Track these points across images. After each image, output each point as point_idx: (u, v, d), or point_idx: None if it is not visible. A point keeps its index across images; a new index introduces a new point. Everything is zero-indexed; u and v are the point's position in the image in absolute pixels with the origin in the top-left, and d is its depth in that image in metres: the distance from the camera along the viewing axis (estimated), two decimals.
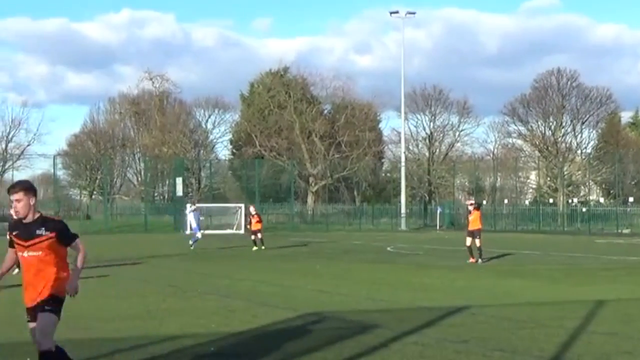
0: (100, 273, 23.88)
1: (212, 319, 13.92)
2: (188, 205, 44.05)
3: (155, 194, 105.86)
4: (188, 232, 39.80)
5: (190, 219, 41.28)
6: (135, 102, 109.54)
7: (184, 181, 76.34)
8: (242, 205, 66.26)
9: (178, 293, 18.43)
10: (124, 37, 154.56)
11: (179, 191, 71.46)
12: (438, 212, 79.14)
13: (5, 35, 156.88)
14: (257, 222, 37.66)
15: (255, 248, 36.96)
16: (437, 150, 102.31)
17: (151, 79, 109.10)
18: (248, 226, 37.86)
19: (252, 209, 39.40)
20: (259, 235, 37.41)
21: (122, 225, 70.47)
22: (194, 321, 13.72)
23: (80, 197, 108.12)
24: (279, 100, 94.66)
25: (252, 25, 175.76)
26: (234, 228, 64.55)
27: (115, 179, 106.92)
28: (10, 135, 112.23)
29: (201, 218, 40.38)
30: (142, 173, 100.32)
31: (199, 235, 38.69)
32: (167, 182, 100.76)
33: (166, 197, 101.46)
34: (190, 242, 38.29)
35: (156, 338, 11.80)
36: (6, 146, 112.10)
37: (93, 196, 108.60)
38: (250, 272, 25.19)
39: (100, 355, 10.51)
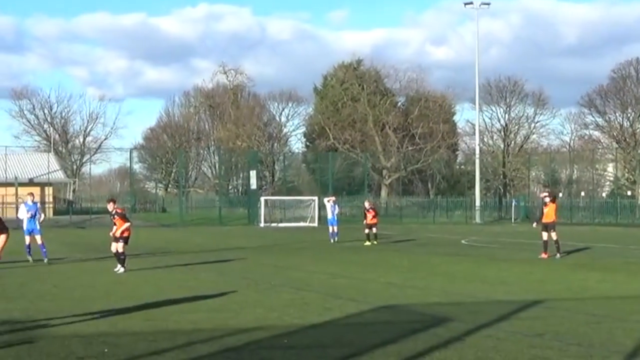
0: (177, 264, 24.19)
1: (285, 312, 13.99)
2: (325, 199, 43.96)
3: (230, 187, 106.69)
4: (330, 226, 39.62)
5: (328, 210, 41.28)
6: (210, 95, 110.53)
7: (258, 174, 76.81)
8: (316, 198, 66.44)
9: (252, 285, 18.56)
10: (200, 31, 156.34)
11: (253, 184, 71.93)
12: (513, 204, 78.31)
13: (85, 30, 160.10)
14: (373, 217, 37.24)
15: (367, 243, 36.52)
16: (512, 142, 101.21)
17: (225, 73, 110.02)
18: (364, 221, 37.49)
19: (367, 204, 38.92)
20: (374, 230, 37.05)
21: (196, 218, 71.19)
22: (268, 313, 13.80)
23: (156, 190, 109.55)
24: (353, 93, 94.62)
25: (327, 17, 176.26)
26: (308, 221, 64.76)
27: (190, 172, 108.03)
28: (88, 129, 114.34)
29: (336, 211, 40.26)
30: (217, 166, 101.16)
31: (335, 228, 38.75)
32: (241, 175, 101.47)
33: (240, 190, 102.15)
34: (334, 238, 38.31)
35: (231, 330, 11.90)
36: (84, 140, 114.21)
37: (168, 189, 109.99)
38: (323, 264, 25.24)
39: (175, 346, 10.62)
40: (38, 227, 25.46)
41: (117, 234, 22.42)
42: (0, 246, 10.50)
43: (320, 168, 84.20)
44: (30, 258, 24.89)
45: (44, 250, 25.05)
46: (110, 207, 23.23)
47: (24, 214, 25.65)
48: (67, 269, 23.25)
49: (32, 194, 26.75)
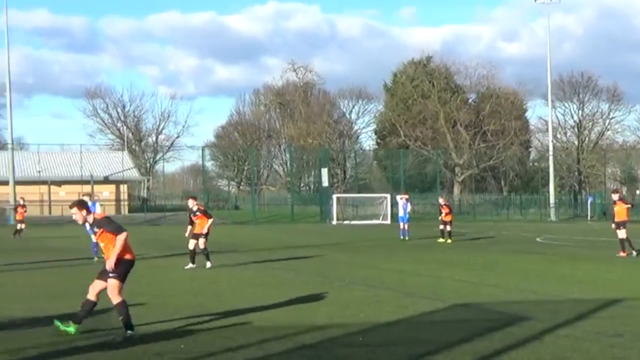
0: (251, 261, 24.31)
1: (360, 309, 13.95)
2: (398, 197, 43.79)
3: (301, 185, 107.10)
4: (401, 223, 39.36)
5: (400, 208, 41.15)
6: (280, 93, 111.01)
7: (329, 171, 76.91)
8: (388, 196, 66.31)
9: (326, 283, 18.54)
10: (270, 29, 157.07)
11: (325, 181, 72.03)
12: (589, 202, 77.14)
13: (156, 29, 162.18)
14: (447, 213, 36.97)
15: (441, 240, 36.34)
16: (587, 138, 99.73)
17: (295, 70, 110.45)
18: (440, 217, 37.21)
19: (441, 200, 38.65)
20: (448, 227, 36.79)
21: (269, 216, 71.58)
22: (342, 311, 13.77)
23: (229, 187, 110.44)
24: (423, 90, 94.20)
25: (397, 14, 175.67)
26: (380, 218, 64.64)
27: (261, 170, 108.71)
28: (160, 128, 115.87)
29: (408, 209, 40.08)
30: (288, 164, 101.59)
31: (406, 226, 38.60)
32: (312, 172, 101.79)
33: (312, 187, 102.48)
34: (405, 235, 38.17)
35: (306, 327, 11.90)
36: (156, 138, 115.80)
37: (241, 187, 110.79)
38: (396, 262, 25.14)
39: (250, 343, 10.66)
40: None
41: (204, 231, 22.69)
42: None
43: (391, 165, 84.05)
44: (96, 257, 25.18)
45: (97, 248, 25.33)
46: (191, 203, 23.43)
47: None
48: (142, 267, 23.51)
49: (89, 194, 27.24)
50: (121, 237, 11.04)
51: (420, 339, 11.35)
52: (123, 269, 11.15)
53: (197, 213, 22.96)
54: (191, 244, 22.70)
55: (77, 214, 11.41)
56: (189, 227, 23.22)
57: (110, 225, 11.23)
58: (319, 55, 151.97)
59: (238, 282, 18.78)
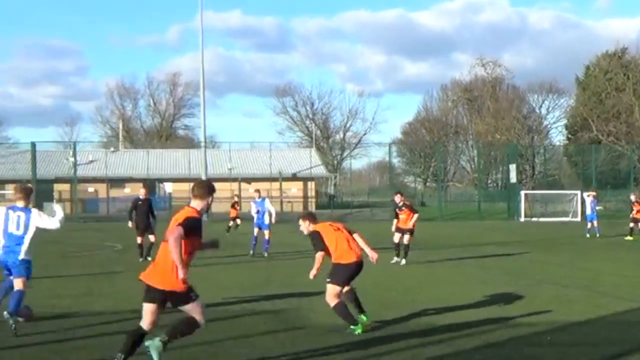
0: (440, 259, 24.22)
1: (549, 308, 13.65)
2: (585, 194, 42.79)
3: (489, 181, 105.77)
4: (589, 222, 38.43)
5: (587, 205, 40.26)
6: (467, 89, 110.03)
7: (517, 168, 75.57)
8: (578, 192, 64.49)
9: (515, 281, 18.24)
10: (458, 24, 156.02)
11: (513, 178, 70.80)
12: None
13: (346, 27, 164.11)
14: (638, 211, 35.88)
15: (628, 237, 35.27)
16: None
17: (483, 65, 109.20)
18: (631, 215, 36.18)
19: (633, 197, 37.41)
20: (639, 225, 35.72)
21: (455, 212, 71.07)
22: (532, 310, 13.51)
23: (415, 184, 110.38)
24: (617, 83, 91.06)
25: (590, 6, 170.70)
26: (570, 215, 63.02)
27: (448, 166, 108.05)
28: (348, 125, 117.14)
29: (596, 207, 39.13)
30: (475, 160, 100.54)
31: (595, 223, 37.66)
32: (500, 168, 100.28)
33: (499, 184, 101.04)
34: (594, 233, 37.39)
35: (494, 325, 11.79)
36: (344, 135, 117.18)
37: (427, 183, 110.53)
38: (589, 261, 24.45)
39: (439, 340, 10.64)
40: (266, 222, 26.19)
41: (409, 225, 22.95)
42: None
43: (582, 161, 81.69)
44: (251, 252, 25.73)
45: (267, 246, 25.84)
46: (397, 199, 23.74)
47: (253, 211, 26.51)
48: None
49: (258, 191, 27.91)
50: (318, 255, 11.56)
51: (613, 339, 11.00)
52: (339, 273, 11.45)
53: (403, 208, 23.24)
54: (396, 237, 23.00)
55: (302, 225, 11.92)
56: (395, 221, 23.48)
57: (314, 241, 11.70)
58: (508, 49, 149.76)
59: (427, 279, 18.76)
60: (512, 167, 71.28)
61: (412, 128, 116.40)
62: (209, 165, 70.29)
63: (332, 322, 11.52)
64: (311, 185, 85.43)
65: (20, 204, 11.88)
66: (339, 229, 11.73)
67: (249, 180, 78.19)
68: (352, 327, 11.15)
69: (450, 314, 13.04)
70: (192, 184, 9.68)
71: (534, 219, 61.25)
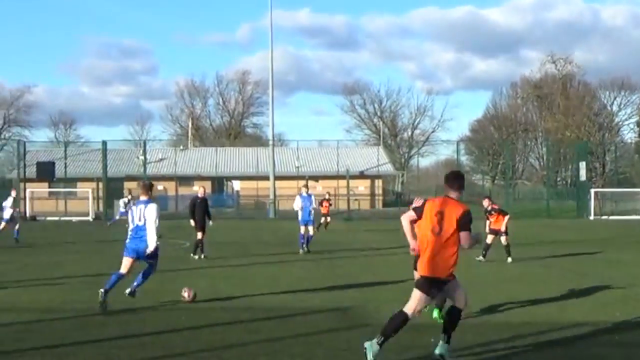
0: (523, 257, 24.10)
1: (617, 308, 13.49)
2: None
3: (558, 179, 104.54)
4: None
5: None
6: (537, 86, 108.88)
7: (587, 165, 74.56)
8: None
9: (582, 280, 18.06)
10: (529, 21, 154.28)
11: (583, 176, 69.84)
12: None
13: (415, 25, 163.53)
14: None
15: None
16: None
17: (554, 62, 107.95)
18: None
19: None
20: None
21: (524, 211, 70.31)
22: (598, 309, 13.40)
23: (483, 182, 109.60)
24: None
25: None
26: None
27: (517, 164, 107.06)
28: (416, 122, 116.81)
29: None
30: (544, 157, 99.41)
31: None
32: (569, 166, 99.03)
33: (569, 182, 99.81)
34: None
35: (558, 324, 11.70)
36: (412, 133, 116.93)
37: (495, 181, 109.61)
38: None
39: (502, 339, 10.62)
40: (311, 218, 26.35)
41: (502, 228, 23.30)
42: None
43: None
44: (301, 250, 25.78)
45: (303, 241, 26.13)
46: (486, 203, 23.89)
47: (298, 205, 26.53)
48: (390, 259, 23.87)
49: (306, 185, 27.99)
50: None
51: None
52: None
53: (492, 212, 23.61)
54: (489, 239, 23.24)
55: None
56: (487, 222, 23.83)
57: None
58: (580, 46, 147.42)
59: (494, 277, 18.67)
60: (582, 165, 70.30)
61: (480, 125, 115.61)
62: (276, 163, 70.65)
63: None
64: (378, 183, 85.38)
65: (143, 198, 13.79)
66: None
67: (316, 178, 78.34)
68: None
69: (512, 312, 12.99)
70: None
71: (604, 217, 60.39)
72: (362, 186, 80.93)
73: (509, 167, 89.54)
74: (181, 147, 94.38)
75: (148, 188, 13.87)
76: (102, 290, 13.03)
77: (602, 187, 78.37)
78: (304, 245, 26.06)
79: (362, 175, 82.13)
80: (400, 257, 23.67)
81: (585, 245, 30.48)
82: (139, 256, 13.51)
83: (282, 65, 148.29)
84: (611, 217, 60.55)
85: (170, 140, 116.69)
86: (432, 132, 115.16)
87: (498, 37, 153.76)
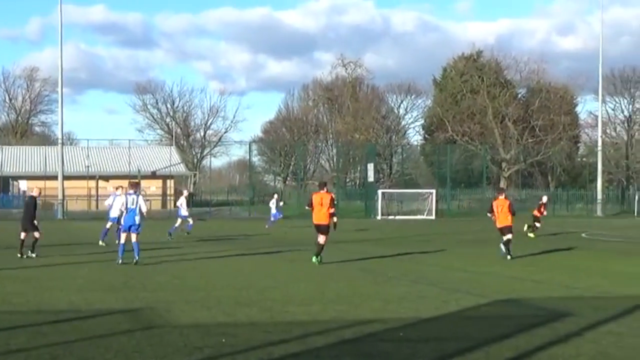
0: (288, 257, 24.39)
1: (402, 304, 13.95)
2: None
3: (347, 180, 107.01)
4: None
5: None
6: (328, 88, 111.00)
7: (375, 167, 76.80)
8: (434, 191, 66.12)
9: (369, 277, 18.56)
10: (323, 24, 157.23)
11: (371, 177, 71.96)
12: (636, 198, 76.25)
13: (211, 25, 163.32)
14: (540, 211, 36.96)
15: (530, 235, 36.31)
16: (637, 133, 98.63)
17: (344, 65, 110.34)
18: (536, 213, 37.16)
19: (545, 198, 38.28)
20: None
21: None
22: (385, 306, 13.78)
23: (275, 182, 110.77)
24: (472, 85, 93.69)
25: (452, 8, 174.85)
26: (425, 214, 64.44)
27: (308, 165, 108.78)
28: (209, 123, 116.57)
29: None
30: (335, 159, 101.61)
31: None
32: (358, 167, 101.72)
33: (358, 182, 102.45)
34: None
35: (347, 322, 11.91)
36: (204, 133, 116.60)
37: (287, 182, 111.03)
38: (442, 257, 25.10)
39: (292, 337, 10.71)
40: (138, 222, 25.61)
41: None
42: None
43: (438, 161, 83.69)
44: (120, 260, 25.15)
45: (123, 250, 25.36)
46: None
47: (119, 205, 26.06)
48: (189, 262, 23.71)
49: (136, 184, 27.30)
50: None
51: (462, 334, 11.32)
52: None
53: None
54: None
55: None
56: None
57: None
58: (371, 50, 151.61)
59: (284, 277, 18.85)
60: (370, 166, 72.43)
61: (272, 127, 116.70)
62: (65, 162, 68.77)
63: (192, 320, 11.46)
64: (170, 183, 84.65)
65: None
66: None
67: (106, 177, 76.81)
68: None
69: (301, 311, 13.10)
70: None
71: (390, 217, 62.33)
72: (153, 186, 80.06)
73: (301, 168, 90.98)
74: None
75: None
76: None
77: (389, 187, 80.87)
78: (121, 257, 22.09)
79: (154, 176, 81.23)
80: (192, 259, 23.60)
81: (372, 244, 31.36)
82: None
83: (74, 63, 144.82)
84: (397, 217, 62.57)
85: None
86: (225, 132, 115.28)
87: (292, 39, 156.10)
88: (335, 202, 24.22)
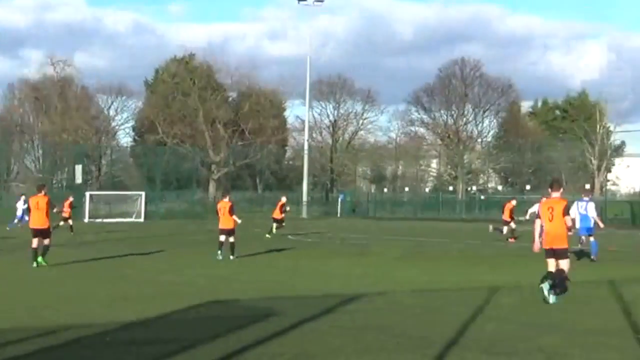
0: None
1: (107, 309, 13.73)
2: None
3: (54, 182, 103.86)
4: None
5: None
6: (36, 87, 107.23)
7: (84, 168, 75.14)
8: (143, 193, 65.69)
9: (71, 282, 18.13)
10: (31, 22, 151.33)
11: (79, 178, 70.37)
12: (339, 199, 79.68)
13: None
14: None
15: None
16: (341, 138, 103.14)
17: (53, 64, 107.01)
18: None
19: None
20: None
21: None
22: (88, 311, 13.50)
23: None
24: (184, 87, 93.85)
25: (166, 10, 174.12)
26: (134, 216, 63.85)
27: (12, 166, 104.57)
28: None
29: None
30: (41, 160, 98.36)
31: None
32: (66, 169, 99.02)
33: (65, 184, 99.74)
34: None
35: (49, 328, 11.51)
36: None
37: None
38: (152, 260, 24.89)
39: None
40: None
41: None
42: None
43: (148, 162, 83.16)
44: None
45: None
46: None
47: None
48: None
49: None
50: None
51: (169, 337, 11.31)
52: None
53: None
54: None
55: None
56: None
57: None
58: (83, 49, 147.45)
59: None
60: (78, 168, 70.83)
61: None
62: None
63: None
64: None
65: None
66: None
67: None
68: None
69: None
70: None
71: (98, 220, 61.10)
72: None
73: (4, 169, 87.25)
74: None
75: None
76: None
77: (98, 190, 79.37)
78: None
79: None
80: None
81: (72, 247, 30.60)
82: None
83: None
84: (105, 220, 61.44)
85: None
86: None
87: None
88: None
